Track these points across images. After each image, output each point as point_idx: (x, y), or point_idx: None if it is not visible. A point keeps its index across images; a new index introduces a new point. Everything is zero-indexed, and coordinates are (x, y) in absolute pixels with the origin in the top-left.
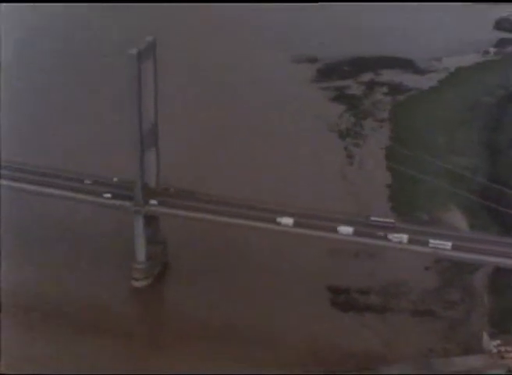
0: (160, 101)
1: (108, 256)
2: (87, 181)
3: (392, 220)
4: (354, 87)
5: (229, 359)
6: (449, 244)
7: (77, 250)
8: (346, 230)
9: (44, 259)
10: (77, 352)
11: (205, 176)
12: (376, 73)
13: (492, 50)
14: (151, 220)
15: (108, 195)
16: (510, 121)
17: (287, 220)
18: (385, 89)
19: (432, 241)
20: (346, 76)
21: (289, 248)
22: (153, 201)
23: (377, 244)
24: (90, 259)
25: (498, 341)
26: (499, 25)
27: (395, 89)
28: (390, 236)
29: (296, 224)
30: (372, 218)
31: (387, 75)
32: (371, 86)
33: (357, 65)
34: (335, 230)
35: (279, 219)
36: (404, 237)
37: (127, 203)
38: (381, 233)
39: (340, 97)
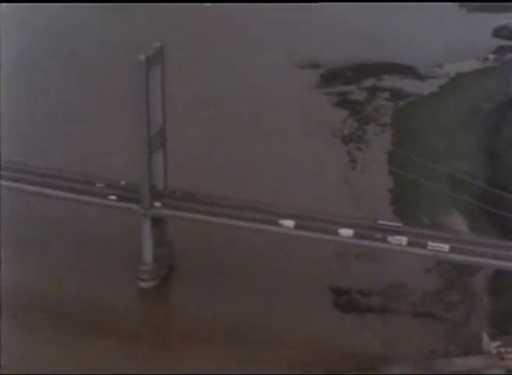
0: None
1: (114, 258)
2: (99, 184)
3: (399, 224)
4: (357, 93)
5: (233, 360)
6: (446, 247)
7: (83, 251)
8: (346, 232)
9: (51, 260)
10: (81, 353)
11: (210, 179)
12: (378, 79)
13: (491, 57)
14: (157, 223)
15: (114, 197)
16: (509, 127)
17: (288, 222)
18: (387, 94)
19: (430, 243)
20: (348, 81)
21: (292, 249)
22: (157, 204)
23: (377, 246)
24: (98, 261)
25: (498, 343)
26: (498, 32)
27: (396, 95)
28: (390, 238)
29: (297, 226)
30: (380, 221)
31: (389, 81)
32: (373, 91)
33: (360, 70)
34: (335, 233)
35: (280, 222)
36: (403, 240)
37: (135, 206)
38: (380, 236)
39: (343, 102)
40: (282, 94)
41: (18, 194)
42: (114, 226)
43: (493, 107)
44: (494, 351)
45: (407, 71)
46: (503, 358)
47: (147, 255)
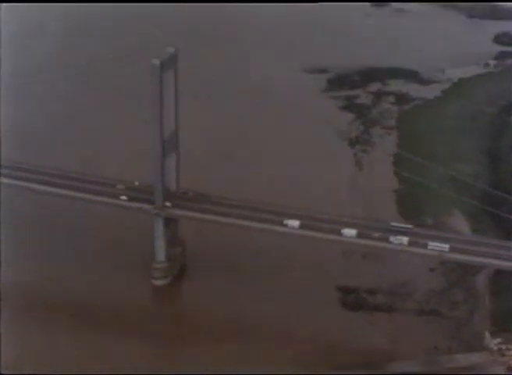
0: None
1: (128, 257)
2: (119, 186)
3: (411, 226)
4: (363, 97)
5: (243, 358)
6: (447, 247)
7: (98, 250)
8: (349, 232)
9: (67, 259)
10: (91, 351)
11: (218, 180)
12: (383, 83)
13: (492, 62)
14: (170, 222)
15: (125, 198)
16: (510, 130)
17: (293, 222)
18: (392, 99)
19: (430, 243)
20: (355, 86)
21: (302, 248)
22: (167, 204)
23: (379, 245)
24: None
25: (499, 340)
26: (499, 39)
27: (401, 99)
28: (392, 238)
29: (302, 226)
30: (392, 223)
31: (394, 85)
32: (378, 95)
33: (366, 75)
34: (339, 233)
35: (285, 222)
36: (404, 240)
37: (148, 206)
38: (382, 236)
39: (350, 106)
40: (290, 97)
41: (39, 195)
42: (130, 226)
43: (495, 111)
44: (495, 348)
45: (411, 76)
46: (503, 355)
47: (160, 254)
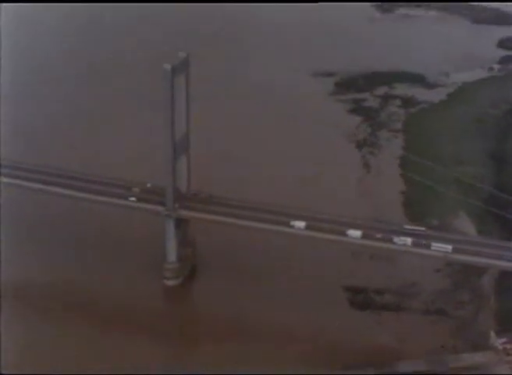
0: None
1: (141, 257)
2: (136, 189)
3: (423, 228)
4: (370, 100)
5: (253, 356)
6: (449, 248)
7: (110, 251)
8: (354, 233)
9: (81, 259)
10: (103, 349)
11: (228, 181)
12: (390, 87)
13: (496, 66)
14: (181, 224)
15: (136, 199)
16: None
17: (300, 224)
18: (398, 102)
19: (434, 244)
20: (362, 89)
21: (312, 249)
22: (175, 205)
23: (383, 246)
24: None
25: (504, 339)
26: (503, 44)
27: (408, 102)
28: (396, 239)
29: (308, 227)
30: (405, 226)
31: (400, 89)
32: (385, 99)
33: (373, 79)
34: (344, 234)
35: (292, 223)
36: (408, 241)
37: (160, 208)
38: (386, 237)
39: (357, 109)
40: (298, 100)
41: (47, 196)
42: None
43: (499, 114)
44: (500, 348)
45: (417, 79)
46: (508, 354)
47: (171, 255)
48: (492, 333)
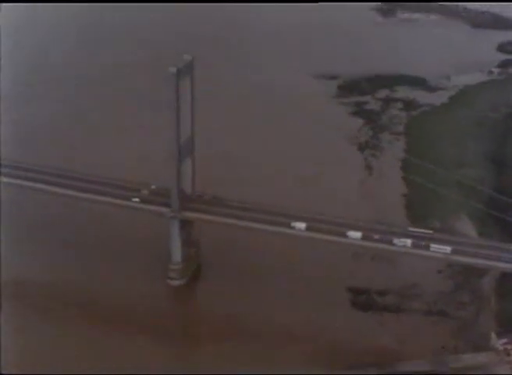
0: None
1: (145, 258)
2: (144, 191)
3: (431, 231)
4: (372, 103)
5: (257, 357)
6: (449, 249)
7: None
8: (354, 234)
9: (89, 259)
10: (108, 348)
11: (234, 182)
12: (392, 90)
13: (496, 70)
14: (186, 225)
15: (141, 200)
16: None
17: (300, 225)
18: (400, 105)
19: (433, 245)
20: (364, 92)
21: (315, 250)
22: (180, 206)
23: (383, 248)
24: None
25: (504, 340)
26: (502, 48)
27: (409, 105)
28: (395, 240)
29: (308, 228)
30: (410, 229)
31: (402, 92)
32: (387, 102)
33: (374, 82)
34: (344, 235)
35: (293, 224)
36: (408, 242)
37: (165, 209)
38: (386, 238)
39: (359, 112)
40: (301, 103)
41: (49, 197)
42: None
43: (500, 117)
44: (501, 349)
45: (418, 83)
46: (509, 355)
47: (176, 255)
48: (493, 334)
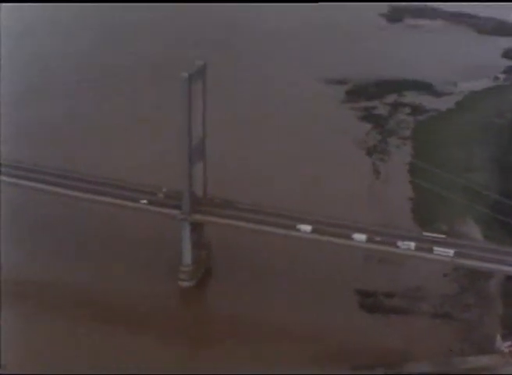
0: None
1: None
2: (160, 194)
3: (435, 234)
4: (380, 108)
5: (264, 357)
6: (451, 252)
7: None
8: (359, 237)
9: (101, 260)
10: (116, 348)
11: (245, 185)
12: (399, 95)
13: (501, 76)
14: (196, 227)
15: (145, 202)
16: None
17: (306, 227)
18: (407, 110)
19: (436, 248)
20: (372, 97)
21: (324, 252)
22: (191, 209)
23: (387, 250)
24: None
25: (509, 342)
26: (508, 54)
27: (416, 110)
28: (399, 243)
29: (313, 231)
30: (424, 233)
31: (409, 97)
32: (395, 107)
33: (382, 87)
34: (350, 237)
35: (298, 226)
36: (412, 245)
37: (176, 211)
38: (391, 241)
39: (368, 116)
40: (311, 108)
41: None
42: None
43: (505, 123)
44: (506, 351)
45: (426, 88)
46: None
47: (187, 257)
48: (498, 337)
